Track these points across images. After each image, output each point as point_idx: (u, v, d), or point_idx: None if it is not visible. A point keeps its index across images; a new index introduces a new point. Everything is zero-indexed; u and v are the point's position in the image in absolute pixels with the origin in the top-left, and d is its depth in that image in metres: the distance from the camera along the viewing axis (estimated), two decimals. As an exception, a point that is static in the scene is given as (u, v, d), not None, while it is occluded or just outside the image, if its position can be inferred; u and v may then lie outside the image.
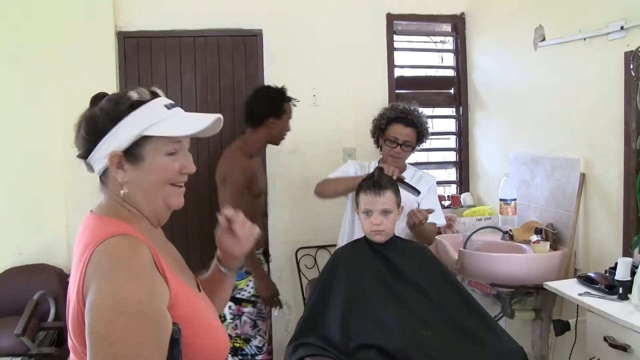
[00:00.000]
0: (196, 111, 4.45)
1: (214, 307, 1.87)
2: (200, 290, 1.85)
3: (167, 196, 1.72)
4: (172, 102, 1.72)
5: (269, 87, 3.95)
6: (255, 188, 3.83)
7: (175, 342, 1.51)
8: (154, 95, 1.70)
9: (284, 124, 3.87)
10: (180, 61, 4.54)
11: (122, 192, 1.66)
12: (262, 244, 4.10)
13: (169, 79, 4.52)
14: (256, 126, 3.85)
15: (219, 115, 1.72)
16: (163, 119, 1.65)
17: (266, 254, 4.15)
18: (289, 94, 3.91)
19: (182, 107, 4.39)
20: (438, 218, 3.75)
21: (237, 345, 3.85)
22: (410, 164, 3.99)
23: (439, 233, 4.42)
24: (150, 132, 1.63)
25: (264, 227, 4.17)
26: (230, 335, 3.82)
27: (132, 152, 1.63)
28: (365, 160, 3.95)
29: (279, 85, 3.92)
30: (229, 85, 4.62)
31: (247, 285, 3.84)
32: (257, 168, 3.93)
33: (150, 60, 4.49)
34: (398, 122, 3.68)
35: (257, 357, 3.86)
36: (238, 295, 3.83)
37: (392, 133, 3.68)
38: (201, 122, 1.70)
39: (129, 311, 1.43)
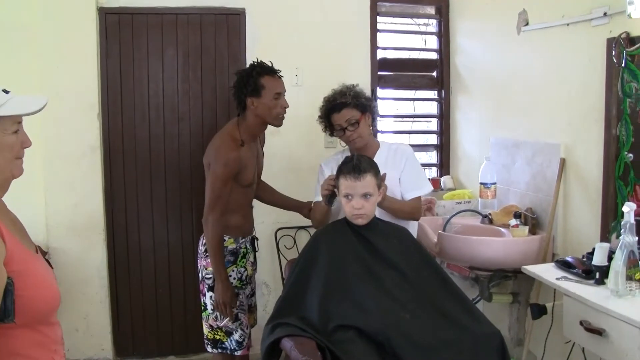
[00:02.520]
0: (178, 90, 4.46)
1: (49, 268, 2.08)
2: (37, 252, 2.04)
3: (14, 168, 1.96)
4: (6, 88, 1.91)
5: (247, 66, 3.71)
6: (244, 178, 3.62)
7: (8, 293, 1.74)
8: None
9: (268, 101, 3.56)
10: (162, 39, 4.49)
11: None
12: (250, 231, 3.91)
13: (150, 56, 4.48)
14: (242, 111, 3.64)
15: (47, 98, 1.98)
16: (6, 101, 1.87)
17: (254, 242, 3.95)
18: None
19: (163, 86, 4.37)
20: (421, 188, 3.66)
21: (218, 337, 3.71)
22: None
23: (431, 209, 4.44)
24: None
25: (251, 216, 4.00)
26: (211, 326, 3.71)
27: None
28: (331, 148, 3.89)
29: (259, 60, 3.68)
30: (211, 64, 4.59)
31: (230, 276, 3.67)
32: (248, 157, 3.62)
33: (131, 37, 4.44)
34: (332, 112, 3.62)
35: (236, 353, 3.73)
36: None
37: (335, 123, 3.62)
38: (37, 103, 1.93)
39: None
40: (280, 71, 3.67)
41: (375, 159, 3.55)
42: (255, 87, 3.54)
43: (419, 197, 3.67)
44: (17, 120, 1.92)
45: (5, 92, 1.89)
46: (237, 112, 3.70)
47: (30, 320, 1.85)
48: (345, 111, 3.57)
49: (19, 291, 1.77)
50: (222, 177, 3.50)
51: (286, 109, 3.66)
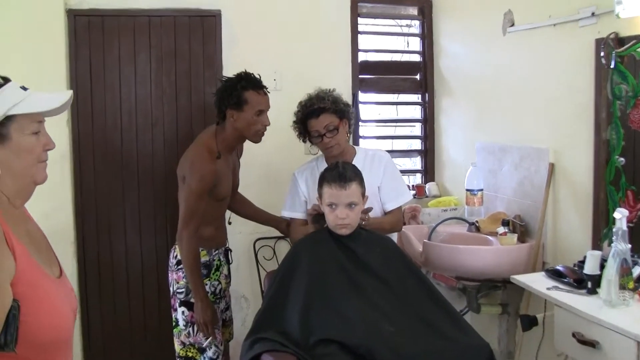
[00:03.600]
0: (151, 95, 4.43)
1: (72, 295, 1.97)
2: (60, 276, 1.93)
3: (36, 173, 1.88)
4: (25, 85, 1.86)
5: (234, 75, 3.60)
6: (219, 192, 3.57)
7: (13, 318, 1.61)
8: (6, 80, 1.85)
9: (249, 116, 3.50)
10: (135, 42, 4.45)
11: None
12: (223, 242, 3.88)
13: (122, 59, 4.43)
14: (222, 121, 3.57)
15: (71, 92, 1.93)
16: (23, 99, 1.80)
17: (227, 254, 3.91)
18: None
19: (136, 90, 4.32)
20: (401, 197, 3.69)
21: (190, 355, 3.63)
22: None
23: (416, 217, 4.41)
24: (15, 110, 1.78)
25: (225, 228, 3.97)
26: (183, 343, 3.63)
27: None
28: (312, 155, 3.87)
29: (246, 72, 3.60)
30: (185, 68, 4.56)
31: None
32: (224, 170, 3.58)
33: (102, 40, 4.39)
34: (309, 118, 3.59)
35: None
36: (192, 300, 3.57)
37: (310, 129, 3.59)
38: (59, 99, 1.89)
39: None
40: (267, 88, 3.62)
41: None
42: (238, 100, 3.48)
43: (400, 208, 3.70)
44: (37, 119, 1.85)
45: (24, 88, 1.83)
46: (216, 119, 3.64)
47: (33, 351, 1.70)
48: (323, 117, 3.55)
49: (23, 317, 1.64)
50: (197, 192, 3.44)
51: (267, 127, 3.61)
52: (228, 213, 4.04)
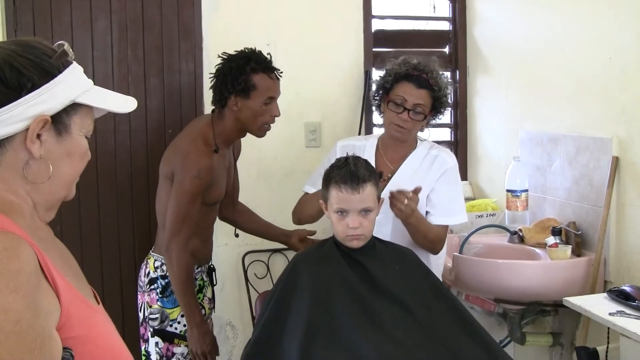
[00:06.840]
0: (112, 74, 4.41)
1: (111, 322, 1.82)
2: (98, 303, 1.80)
3: (73, 187, 1.78)
4: None
5: (239, 51, 3.57)
6: (212, 195, 3.57)
7: None
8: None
9: (256, 106, 3.48)
10: (91, 6, 4.41)
11: (50, 168, 1.63)
12: (207, 259, 3.87)
13: (75, 29, 4.39)
14: (220, 108, 3.55)
15: (135, 101, 1.84)
16: (91, 87, 1.70)
17: (211, 273, 3.92)
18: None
19: (93, 68, 4.30)
20: (452, 215, 3.60)
21: None
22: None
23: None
24: (84, 99, 1.66)
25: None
26: None
27: (61, 120, 1.63)
28: (360, 136, 3.83)
29: (254, 49, 3.60)
30: (155, 40, 4.53)
31: (182, 316, 3.56)
32: (219, 168, 3.59)
33: (49, 4, 4.34)
34: (408, 80, 3.49)
35: None
36: (169, 329, 3.57)
37: (399, 93, 3.49)
38: (127, 103, 1.81)
39: (4, 333, 1.35)
40: (281, 71, 3.63)
41: (407, 162, 3.57)
42: (245, 85, 3.46)
43: (447, 227, 3.61)
44: (92, 119, 1.73)
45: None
46: (213, 107, 3.62)
47: None
48: (423, 93, 3.48)
49: None
50: (191, 192, 3.43)
51: (275, 119, 3.61)
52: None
